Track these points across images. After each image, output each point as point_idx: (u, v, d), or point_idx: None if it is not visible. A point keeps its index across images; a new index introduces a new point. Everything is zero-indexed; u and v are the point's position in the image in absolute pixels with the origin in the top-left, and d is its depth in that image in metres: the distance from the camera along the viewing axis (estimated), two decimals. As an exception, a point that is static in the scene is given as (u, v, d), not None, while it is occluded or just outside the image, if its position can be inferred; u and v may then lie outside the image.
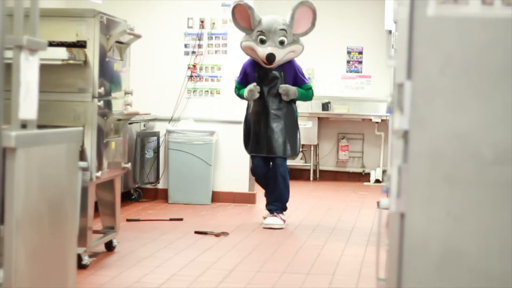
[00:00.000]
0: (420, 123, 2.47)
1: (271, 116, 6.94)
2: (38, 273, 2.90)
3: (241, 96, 7.12)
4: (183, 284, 4.81)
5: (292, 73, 7.03)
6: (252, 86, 6.92)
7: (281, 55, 6.90)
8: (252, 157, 7.17)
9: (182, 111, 8.44)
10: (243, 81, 7.10)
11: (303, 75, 7.11)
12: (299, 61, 7.28)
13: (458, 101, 2.46)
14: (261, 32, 6.94)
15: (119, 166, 5.57)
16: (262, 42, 6.91)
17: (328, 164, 11.31)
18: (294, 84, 7.00)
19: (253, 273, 5.15)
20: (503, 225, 2.44)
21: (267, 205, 7.08)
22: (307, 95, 7.06)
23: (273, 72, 6.97)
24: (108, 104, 5.25)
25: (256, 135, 6.98)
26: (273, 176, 6.98)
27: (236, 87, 7.21)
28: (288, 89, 6.93)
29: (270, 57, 6.86)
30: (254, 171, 7.16)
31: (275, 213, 6.97)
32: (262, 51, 6.89)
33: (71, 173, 3.21)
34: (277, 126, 6.95)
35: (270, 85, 6.96)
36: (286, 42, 6.94)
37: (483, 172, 2.45)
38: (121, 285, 4.74)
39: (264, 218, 7.06)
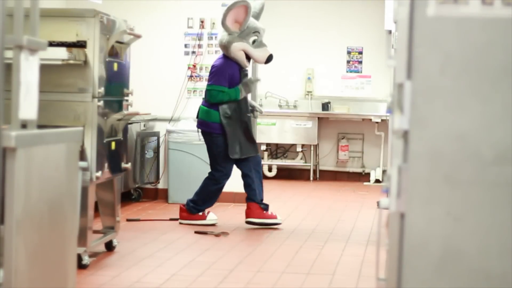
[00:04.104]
0: (420, 123, 2.48)
1: (248, 115, 6.96)
2: (38, 273, 2.90)
3: (230, 97, 6.76)
4: (183, 284, 4.81)
5: None
6: (248, 80, 6.85)
7: None
8: (225, 165, 6.85)
9: (182, 111, 8.44)
10: (226, 84, 6.80)
11: None
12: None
13: (458, 101, 2.46)
14: (258, 33, 6.90)
15: (119, 166, 5.57)
16: (253, 42, 6.89)
17: (328, 164, 11.31)
18: None
19: (253, 273, 5.15)
20: (503, 225, 2.44)
21: (257, 204, 6.91)
22: None
23: (245, 71, 7.00)
24: (108, 104, 5.25)
25: (243, 137, 6.83)
26: (259, 171, 6.97)
27: (219, 91, 6.76)
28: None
29: (271, 58, 6.91)
30: (222, 181, 6.88)
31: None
32: (261, 53, 6.87)
33: (71, 173, 3.21)
34: (251, 127, 7.01)
35: None
36: None
37: (483, 172, 2.45)
38: (121, 285, 4.74)
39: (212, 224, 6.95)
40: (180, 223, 6.96)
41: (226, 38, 6.85)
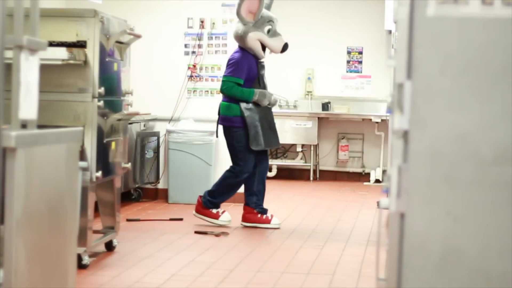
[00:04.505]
0: (420, 123, 2.48)
1: (268, 108, 6.93)
2: (38, 273, 2.90)
3: (243, 95, 6.74)
4: (183, 284, 4.81)
5: None
6: (268, 93, 6.83)
7: None
8: (246, 159, 6.81)
9: (182, 111, 8.44)
10: (244, 77, 6.79)
11: None
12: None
13: (458, 101, 2.46)
14: (272, 22, 6.88)
15: (119, 166, 5.57)
16: (268, 32, 6.87)
17: (328, 164, 11.31)
18: None
19: (253, 273, 5.15)
20: (503, 225, 2.44)
21: (258, 206, 6.92)
22: None
23: (262, 63, 6.97)
24: (108, 104, 5.25)
25: (266, 128, 6.83)
26: (263, 178, 6.97)
27: (234, 83, 6.75)
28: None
29: (287, 47, 6.89)
30: (242, 176, 6.84)
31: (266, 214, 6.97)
32: (277, 42, 6.86)
33: (71, 173, 3.21)
34: (273, 118, 6.99)
35: (264, 77, 6.96)
36: None
37: (483, 172, 2.45)
38: (121, 285, 4.74)
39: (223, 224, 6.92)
40: (194, 215, 6.96)
41: (241, 28, 6.84)
